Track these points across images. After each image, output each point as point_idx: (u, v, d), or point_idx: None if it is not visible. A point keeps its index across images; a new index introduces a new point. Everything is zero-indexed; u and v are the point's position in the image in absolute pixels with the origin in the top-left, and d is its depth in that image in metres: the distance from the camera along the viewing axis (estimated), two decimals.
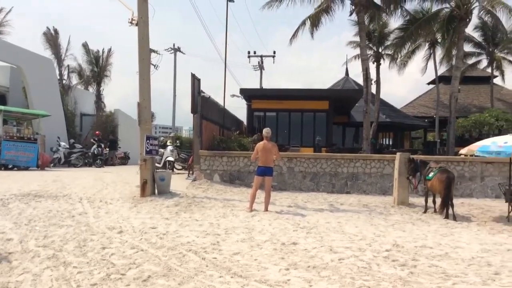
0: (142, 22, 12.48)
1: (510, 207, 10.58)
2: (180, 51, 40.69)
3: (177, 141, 21.87)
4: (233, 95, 37.99)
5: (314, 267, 5.85)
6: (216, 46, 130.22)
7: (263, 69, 40.25)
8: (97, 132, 25.43)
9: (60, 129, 24.54)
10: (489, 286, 5.36)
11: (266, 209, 10.48)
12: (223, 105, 21.18)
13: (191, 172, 17.31)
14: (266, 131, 10.83)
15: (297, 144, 21.79)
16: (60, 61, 30.86)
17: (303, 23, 21.76)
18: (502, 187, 12.20)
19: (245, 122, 26.62)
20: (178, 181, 15.32)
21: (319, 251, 6.76)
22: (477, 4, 22.42)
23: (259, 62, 40.17)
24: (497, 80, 35.66)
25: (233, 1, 21.83)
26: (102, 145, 23.98)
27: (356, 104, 25.82)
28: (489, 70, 33.86)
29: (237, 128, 24.02)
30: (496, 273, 5.84)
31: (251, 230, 8.19)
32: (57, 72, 29.73)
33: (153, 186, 12.40)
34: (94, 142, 23.82)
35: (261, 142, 10.75)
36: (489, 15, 23.14)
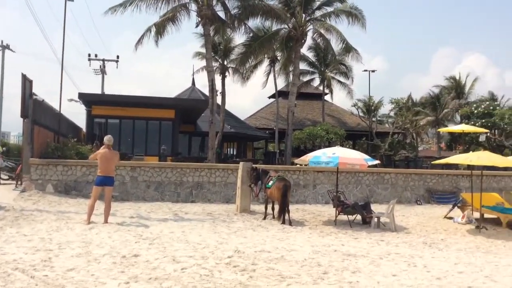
0: None
1: (337, 212, 11.77)
2: (9, 48, 36.37)
3: (3, 148, 19.43)
4: (70, 100, 34.83)
5: (156, 279, 5.70)
6: (52, 46, 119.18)
7: (105, 74, 38.03)
8: None
9: None
10: (318, 285, 5.85)
11: (106, 221, 9.95)
12: (59, 110, 19.55)
13: (19, 182, 15.72)
14: (107, 138, 10.32)
15: (141, 152, 21.11)
16: None
17: (149, 29, 21.34)
18: (330, 194, 13.54)
19: (84, 129, 24.96)
20: (4, 193, 13.97)
21: (162, 262, 6.63)
22: (311, 26, 24.72)
23: (100, 66, 37.94)
24: (328, 97, 39.73)
25: (73, 1, 20.41)
26: None
27: (203, 114, 26.21)
28: (321, 88, 37.38)
29: (75, 135, 22.44)
30: (325, 273, 6.41)
31: (88, 243, 7.68)
32: None
33: None
34: None
35: (102, 150, 10.18)
36: (321, 37, 25.60)
